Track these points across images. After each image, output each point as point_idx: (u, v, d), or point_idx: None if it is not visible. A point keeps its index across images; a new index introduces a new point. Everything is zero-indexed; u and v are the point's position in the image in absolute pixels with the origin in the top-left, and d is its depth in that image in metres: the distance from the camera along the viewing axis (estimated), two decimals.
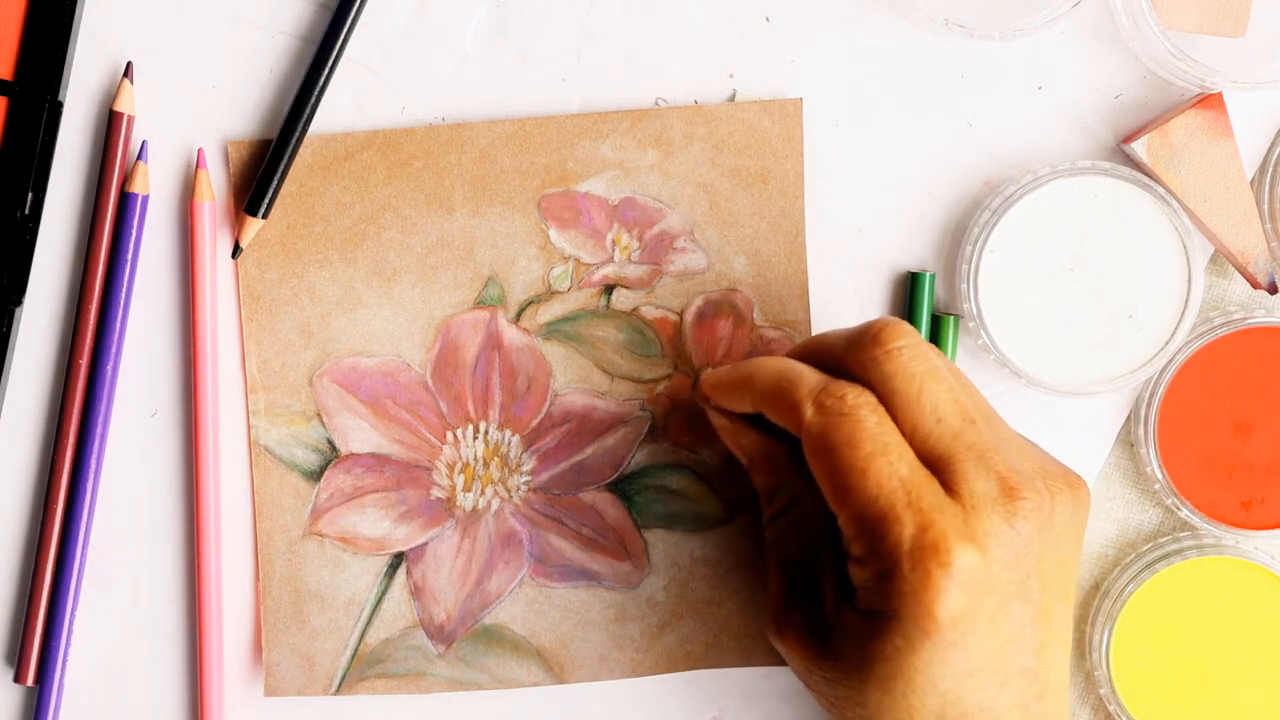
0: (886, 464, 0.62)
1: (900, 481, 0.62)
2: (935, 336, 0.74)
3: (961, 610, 0.61)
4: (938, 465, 0.63)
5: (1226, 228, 0.73)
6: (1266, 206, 0.73)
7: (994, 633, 0.62)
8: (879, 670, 0.63)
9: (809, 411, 0.64)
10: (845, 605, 0.64)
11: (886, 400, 0.64)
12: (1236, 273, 0.74)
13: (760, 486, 0.70)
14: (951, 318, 0.74)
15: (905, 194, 0.74)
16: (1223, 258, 0.74)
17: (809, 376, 0.65)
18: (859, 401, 0.63)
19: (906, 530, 0.61)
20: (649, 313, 0.74)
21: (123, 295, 0.73)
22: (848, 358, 0.65)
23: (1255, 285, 0.73)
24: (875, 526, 0.62)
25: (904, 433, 0.63)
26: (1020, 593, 0.63)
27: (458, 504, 0.74)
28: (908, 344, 0.64)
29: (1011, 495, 0.62)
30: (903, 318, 0.74)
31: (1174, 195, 0.72)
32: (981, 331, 0.73)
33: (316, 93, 0.72)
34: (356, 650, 0.74)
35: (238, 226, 0.74)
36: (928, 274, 0.74)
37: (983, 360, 0.74)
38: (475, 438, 0.74)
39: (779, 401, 0.65)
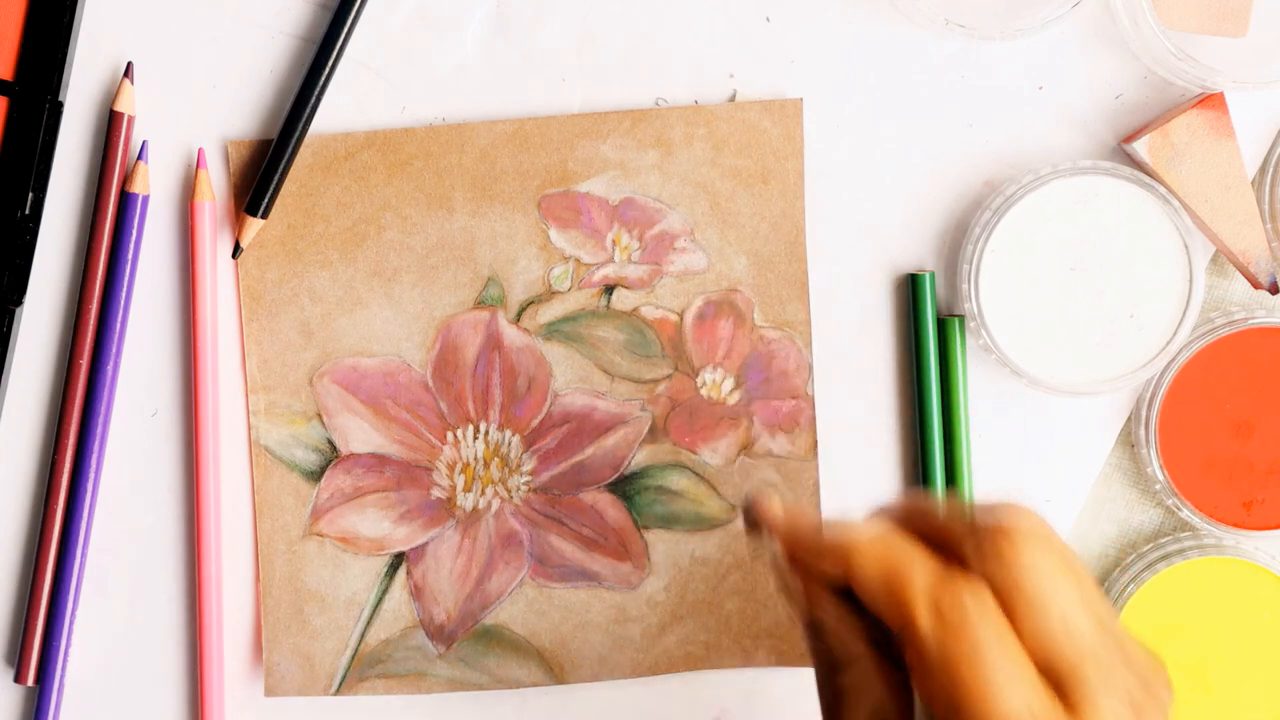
0: (1013, 694, 0.54)
1: (1022, 707, 0.54)
2: (942, 340, 0.74)
3: None
4: (1060, 681, 0.55)
5: (1227, 228, 0.73)
6: (1267, 206, 0.73)
7: None
8: None
9: (923, 618, 0.55)
10: None
11: (1006, 599, 0.55)
12: (1237, 273, 0.74)
13: (823, 650, 0.61)
14: (957, 319, 0.74)
15: (906, 194, 0.74)
16: (1223, 258, 0.74)
17: (920, 568, 0.56)
18: (982, 609, 0.55)
19: None
20: (649, 313, 0.74)
21: (123, 295, 0.73)
22: (965, 542, 0.57)
23: (1256, 285, 0.73)
24: None
25: (1023, 637, 0.55)
26: None
27: (458, 504, 0.74)
28: (1037, 532, 0.56)
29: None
30: (906, 320, 0.74)
31: (1175, 195, 0.72)
32: (983, 331, 0.73)
33: (317, 93, 0.72)
34: (357, 650, 0.74)
35: (238, 226, 0.74)
36: (928, 274, 0.74)
37: (984, 360, 0.74)
38: (475, 438, 0.74)
39: (886, 594, 0.56)
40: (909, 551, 0.57)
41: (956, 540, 0.57)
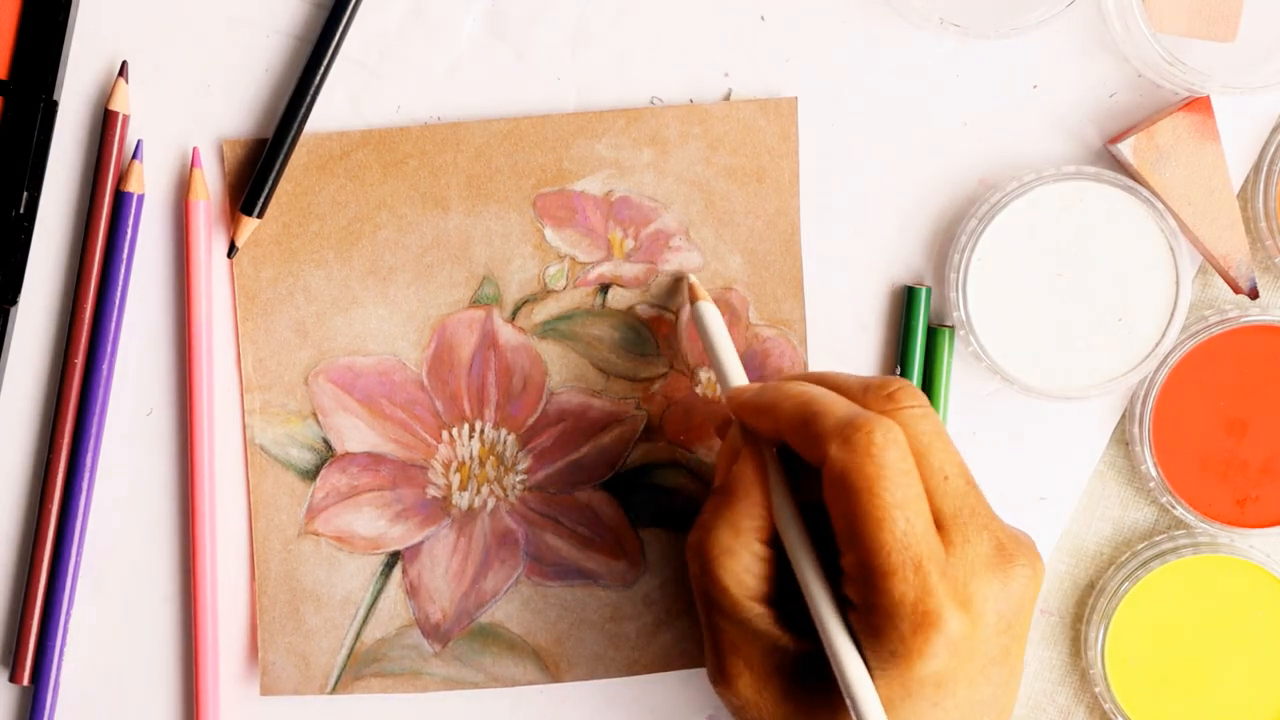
0: (904, 519, 0.61)
1: (915, 539, 0.61)
2: (930, 349, 0.74)
3: (945, 673, 0.61)
4: (940, 523, 0.63)
5: (1210, 231, 0.73)
6: (1261, 206, 0.73)
7: (970, 695, 0.62)
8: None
9: (834, 446, 0.62)
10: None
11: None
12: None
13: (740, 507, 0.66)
14: (947, 330, 0.74)
15: (901, 192, 0.74)
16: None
17: (836, 407, 0.63)
18: (888, 440, 0.61)
19: (910, 592, 0.60)
20: (644, 311, 0.74)
21: (118, 294, 0.73)
22: (863, 405, 0.64)
23: (1236, 290, 0.73)
24: (880, 580, 0.61)
25: None
26: (1003, 656, 0.63)
27: (454, 503, 0.74)
28: (919, 405, 0.64)
29: (1009, 560, 0.63)
30: (898, 332, 0.74)
31: (1159, 198, 0.72)
32: (972, 339, 0.73)
33: (312, 91, 0.72)
34: (352, 649, 0.74)
35: (233, 226, 0.74)
36: (924, 289, 0.73)
37: (974, 367, 0.74)
38: (471, 436, 0.74)
39: (804, 430, 0.63)
40: (824, 395, 0.64)
41: (854, 395, 0.65)
